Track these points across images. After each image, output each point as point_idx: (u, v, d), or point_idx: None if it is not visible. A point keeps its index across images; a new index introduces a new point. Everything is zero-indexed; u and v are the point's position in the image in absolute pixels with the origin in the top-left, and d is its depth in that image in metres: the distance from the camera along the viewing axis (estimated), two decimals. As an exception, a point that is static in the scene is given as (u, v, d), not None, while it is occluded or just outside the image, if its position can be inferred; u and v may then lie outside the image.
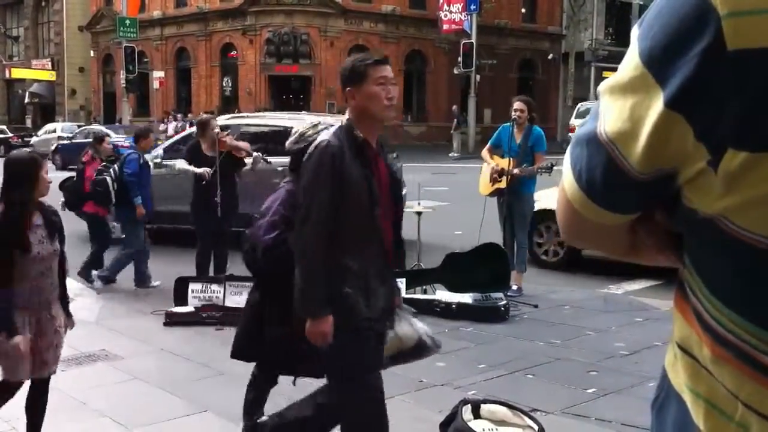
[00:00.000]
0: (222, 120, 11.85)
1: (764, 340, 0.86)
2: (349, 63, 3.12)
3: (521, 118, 7.44)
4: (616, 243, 1.07)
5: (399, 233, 3.26)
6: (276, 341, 3.68)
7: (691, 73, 0.82)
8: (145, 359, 5.74)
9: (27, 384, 3.88)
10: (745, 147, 0.80)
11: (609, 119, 0.91)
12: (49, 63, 47.43)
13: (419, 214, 7.84)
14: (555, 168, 7.03)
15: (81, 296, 7.47)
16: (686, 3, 0.82)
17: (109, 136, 9.47)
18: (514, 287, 7.50)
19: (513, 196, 7.45)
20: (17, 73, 48.46)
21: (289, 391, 3.97)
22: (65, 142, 27.56)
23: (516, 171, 7.31)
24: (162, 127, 30.64)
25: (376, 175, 3.07)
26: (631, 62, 0.89)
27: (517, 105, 7.52)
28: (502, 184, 7.46)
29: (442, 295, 6.92)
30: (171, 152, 10.06)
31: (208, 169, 7.54)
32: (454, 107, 32.37)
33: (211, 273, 7.75)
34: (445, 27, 34.44)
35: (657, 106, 0.85)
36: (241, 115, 12.94)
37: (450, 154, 29.81)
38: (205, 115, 8.81)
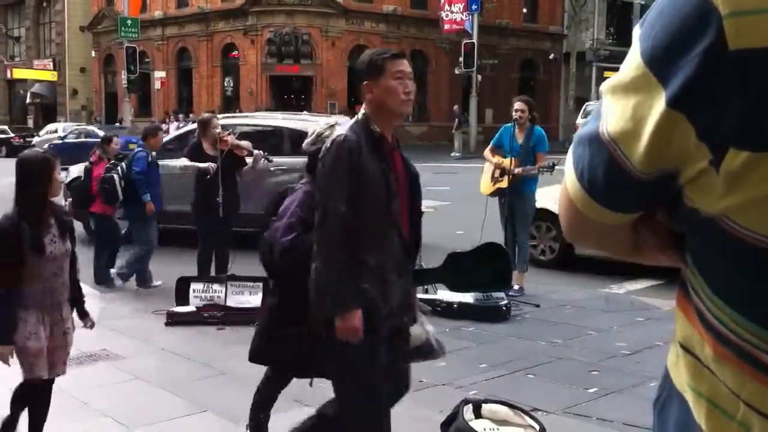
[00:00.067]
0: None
1: (766, 340, 0.86)
2: (367, 56, 3.09)
3: (522, 118, 7.44)
4: (618, 243, 1.07)
5: (419, 227, 3.22)
6: (295, 343, 3.61)
7: (692, 72, 0.82)
8: (146, 359, 5.74)
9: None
10: (746, 146, 0.80)
11: (611, 119, 0.91)
12: (51, 63, 47.47)
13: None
14: (557, 167, 7.03)
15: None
16: (688, 3, 0.82)
17: (116, 137, 9.44)
18: (516, 287, 7.50)
19: (514, 196, 7.46)
20: (19, 73, 48.51)
21: (298, 392, 3.97)
22: (57, 141, 27.74)
23: (517, 171, 7.31)
24: (164, 127, 30.64)
25: (393, 170, 3.04)
26: (633, 62, 0.89)
27: (517, 105, 7.52)
28: (504, 184, 7.46)
29: (444, 294, 6.91)
30: (163, 152, 9.99)
31: (212, 164, 7.54)
32: (456, 107, 32.36)
33: (213, 273, 7.76)
34: (447, 27, 34.44)
35: (659, 105, 0.85)
36: (227, 115, 12.87)
37: (451, 154, 29.81)
38: (206, 114, 8.81)
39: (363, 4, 37.82)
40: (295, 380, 4.05)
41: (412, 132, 37.29)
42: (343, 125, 3.19)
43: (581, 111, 28.74)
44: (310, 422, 3.58)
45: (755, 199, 0.82)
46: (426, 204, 8.39)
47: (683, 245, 0.98)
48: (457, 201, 13.50)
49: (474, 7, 31.81)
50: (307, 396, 4.82)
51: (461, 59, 30.71)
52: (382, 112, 3.03)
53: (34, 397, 3.88)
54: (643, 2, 39.13)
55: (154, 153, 8.27)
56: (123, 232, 8.65)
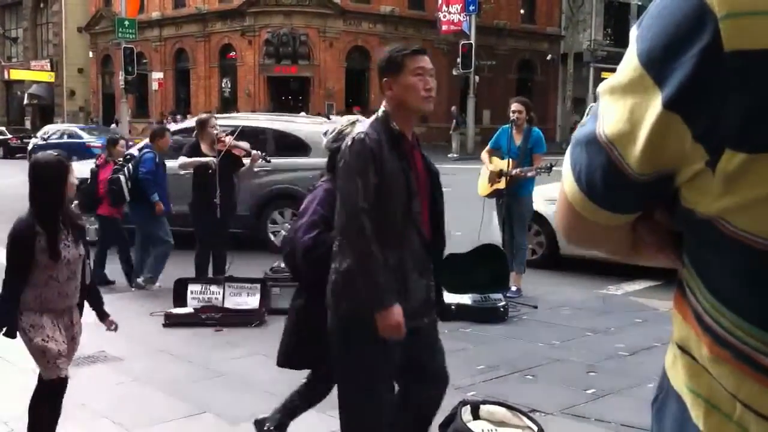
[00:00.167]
0: (188, 123, 11.83)
1: (763, 341, 0.87)
2: (386, 53, 3.04)
3: (519, 119, 7.45)
4: (616, 243, 1.07)
5: (441, 226, 3.17)
6: (324, 343, 3.55)
7: (688, 74, 0.82)
8: (144, 361, 5.74)
9: (32, 384, 3.88)
10: (743, 148, 0.80)
11: (608, 120, 0.91)
12: (48, 64, 47.41)
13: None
14: (554, 168, 7.03)
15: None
16: (684, 4, 0.83)
17: (122, 139, 9.43)
18: (514, 288, 7.50)
19: (512, 198, 7.46)
20: (16, 74, 48.45)
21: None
22: (41, 142, 27.83)
23: (515, 172, 7.31)
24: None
25: (413, 168, 3.00)
26: (629, 63, 0.89)
27: (514, 106, 7.52)
28: (501, 185, 7.46)
29: (442, 295, 6.90)
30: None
31: (213, 159, 7.54)
32: (453, 108, 32.36)
33: (210, 274, 7.75)
34: (444, 28, 34.46)
35: (655, 106, 0.85)
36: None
37: (449, 155, 29.81)
38: (204, 114, 8.80)
39: (360, 4, 37.83)
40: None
41: (409, 133, 37.26)
42: (363, 123, 3.15)
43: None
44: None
45: (751, 201, 0.82)
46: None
47: (681, 245, 0.98)
48: (455, 202, 13.49)
49: (471, 7, 31.87)
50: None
51: (459, 60, 30.74)
52: (402, 110, 2.98)
53: (51, 399, 3.84)
54: (640, 3, 39.19)
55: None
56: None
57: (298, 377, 5.17)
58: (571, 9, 39.82)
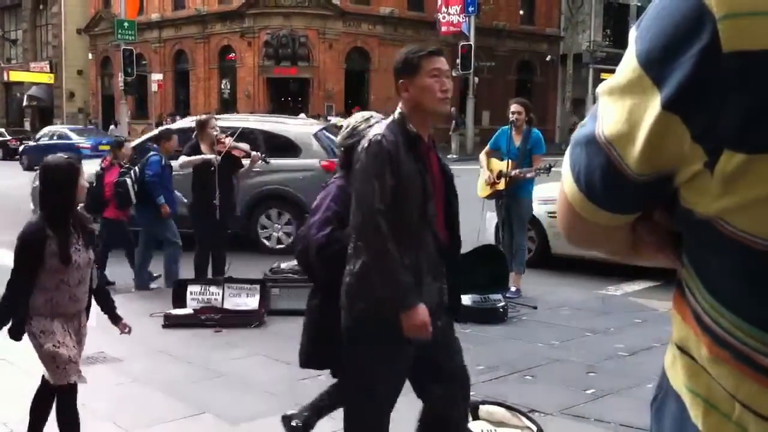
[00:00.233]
0: (182, 123, 11.81)
1: (762, 341, 0.87)
2: (402, 54, 3.01)
3: (519, 120, 7.45)
4: (616, 244, 1.07)
5: (456, 228, 3.16)
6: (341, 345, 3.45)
7: (687, 74, 0.82)
8: (143, 361, 5.73)
9: (35, 385, 3.88)
10: (741, 148, 0.80)
11: (607, 121, 0.91)
12: (48, 66, 47.40)
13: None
14: (553, 169, 7.04)
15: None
16: (682, 5, 0.83)
17: (128, 141, 9.41)
18: (513, 289, 7.50)
19: (511, 199, 7.47)
20: (15, 76, 48.43)
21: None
22: (31, 143, 27.80)
23: (514, 173, 7.32)
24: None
25: (429, 171, 2.97)
26: (628, 64, 0.89)
27: (514, 107, 7.53)
28: (501, 187, 7.47)
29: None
30: (139, 152, 9.92)
31: (216, 156, 7.54)
32: (453, 109, 32.14)
33: (210, 275, 7.75)
34: (444, 29, 34.47)
35: (654, 107, 0.86)
36: (193, 119, 12.82)
37: (448, 156, 29.81)
38: (204, 115, 8.81)
39: (360, 6, 37.83)
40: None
41: (409, 134, 37.27)
42: (380, 124, 3.15)
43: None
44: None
45: (750, 201, 0.82)
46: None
47: (681, 245, 0.99)
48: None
49: (471, 9, 31.86)
50: (305, 398, 4.82)
51: (458, 61, 30.71)
52: (418, 112, 2.96)
53: (64, 406, 3.79)
54: (639, 4, 39.21)
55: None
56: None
57: (298, 377, 5.18)
58: (570, 10, 39.84)
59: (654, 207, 0.99)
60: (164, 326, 6.63)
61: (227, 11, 37.52)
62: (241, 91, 37.21)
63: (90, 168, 8.60)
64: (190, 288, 7.03)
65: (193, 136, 8.14)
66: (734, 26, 0.79)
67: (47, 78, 46.86)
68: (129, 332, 4.14)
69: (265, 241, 10.43)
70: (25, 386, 4.15)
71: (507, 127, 7.55)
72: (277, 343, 6.15)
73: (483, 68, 35.23)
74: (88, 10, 45.37)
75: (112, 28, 32.81)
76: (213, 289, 7.02)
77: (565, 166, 1.00)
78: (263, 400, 4.89)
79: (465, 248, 7.23)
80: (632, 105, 0.88)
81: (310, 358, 3.81)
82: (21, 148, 27.91)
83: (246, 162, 8.01)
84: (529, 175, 7.35)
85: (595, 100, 0.96)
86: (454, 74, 32.09)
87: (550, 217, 8.27)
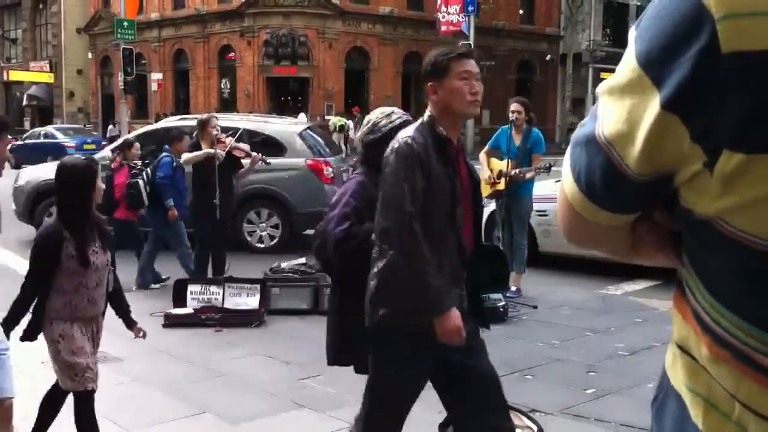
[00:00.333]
0: (170, 121, 11.79)
1: (762, 341, 0.87)
2: (431, 56, 2.96)
3: (519, 119, 7.45)
4: (617, 243, 1.07)
5: (480, 233, 3.13)
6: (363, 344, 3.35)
7: (686, 74, 0.82)
8: (144, 361, 5.73)
9: (35, 386, 3.87)
10: (740, 148, 0.80)
11: (607, 121, 0.91)
12: (47, 65, 47.37)
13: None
14: (553, 168, 7.04)
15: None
16: (681, 5, 0.83)
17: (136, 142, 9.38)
18: (513, 288, 7.50)
19: (511, 198, 7.47)
20: (15, 75, 48.39)
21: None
22: (20, 142, 27.87)
23: (514, 173, 7.32)
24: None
25: (458, 175, 2.93)
26: (628, 64, 0.89)
27: (513, 107, 7.53)
28: (501, 186, 7.47)
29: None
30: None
31: (220, 152, 7.54)
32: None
33: (210, 275, 7.75)
34: (443, 28, 34.41)
35: (653, 107, 0.86)
36: (180, 117, 12.76)
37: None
38: (205, 114, 8.80)
39: (359, 5, 37.80)
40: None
41: (409, 133, 37.23)
42: (401, 119, 3.08)
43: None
44: None
45: (750, 201, 0.82)
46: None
47: (681, 244, 0.99)
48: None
49: (470, 8, 31.82)
50: (305, 398, 4.83)
51: (458, 61, 30.64)
52: (447, 114, 2.91)
53: (83, 409, 3.74)
54: (639, 3, 39.18)
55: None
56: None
57: (298, 377, 5.19)
58: (570, 9, 39.80)
59: (654, 207, 0.99)
60: (164, 326, 6.63)
61: (227, 11, 37.49)
62: (240, 91, 37.19)
63: None
64: (191, 287, 7.04)
65: (194, 135, 8.14)
66: (733, 27, 0.79)
67: (47, 77, 46.83)
68: (144, 337, 4.09)
69: (248, 237, 10.38)
70: (28, 387, 4.16)
71: (507, 126, 7.55)
72: (278, 343, 6.16)
73: (483, 67, 34.40)
74: (88, 10, 45.34)
75: (111, 27, 32.76)
76: (213, 288, 7.02)
77: (566, 166, 1.00)
78: (263, 399, 4.89)
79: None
80: (632, 105, 0.88)
81: (339, 354, 3.78)
82: (9, 147, 27.94)
83: (246, 162, 8.01)
84: (528, 175, 7.35)
85: (594, 100, 0.96)
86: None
87: (538, 215, 8.27)
